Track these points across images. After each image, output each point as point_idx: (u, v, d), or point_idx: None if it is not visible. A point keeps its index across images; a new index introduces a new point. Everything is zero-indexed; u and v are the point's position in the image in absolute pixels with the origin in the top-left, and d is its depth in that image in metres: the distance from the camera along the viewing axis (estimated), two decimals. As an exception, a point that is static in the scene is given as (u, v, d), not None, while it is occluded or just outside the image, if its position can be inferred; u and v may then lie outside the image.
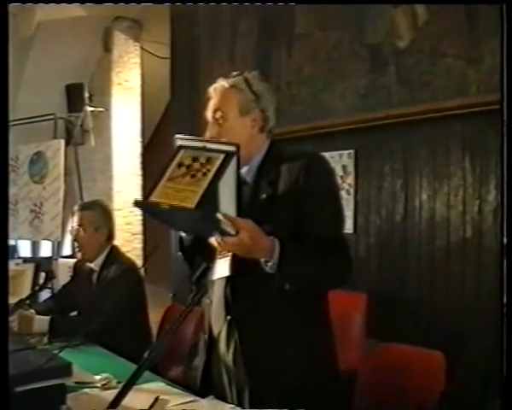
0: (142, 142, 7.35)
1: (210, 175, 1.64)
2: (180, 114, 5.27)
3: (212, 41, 4.75)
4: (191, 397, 2.02)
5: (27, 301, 3.00)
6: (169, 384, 2.19)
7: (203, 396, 1.99)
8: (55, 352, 1.95)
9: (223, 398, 1.97)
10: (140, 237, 7.18)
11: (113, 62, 7.01)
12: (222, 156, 1.67)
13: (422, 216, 3.25)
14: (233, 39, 4.53)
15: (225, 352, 1.96)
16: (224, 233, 1.71)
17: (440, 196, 3.16)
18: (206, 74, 4.80)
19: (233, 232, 1.68)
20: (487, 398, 2.74)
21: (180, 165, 1.71)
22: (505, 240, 2.24)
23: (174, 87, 5.37)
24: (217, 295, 1.98)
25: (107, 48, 7.02)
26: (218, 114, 1.97)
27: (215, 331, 2.00)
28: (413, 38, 3.25)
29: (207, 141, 1.79)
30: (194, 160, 1.70)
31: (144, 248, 7.20)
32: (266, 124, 2.03)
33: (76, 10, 6.15)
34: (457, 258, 3.09)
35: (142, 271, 3.57)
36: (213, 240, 1.81)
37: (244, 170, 1.97)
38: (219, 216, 1.65)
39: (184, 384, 2.22)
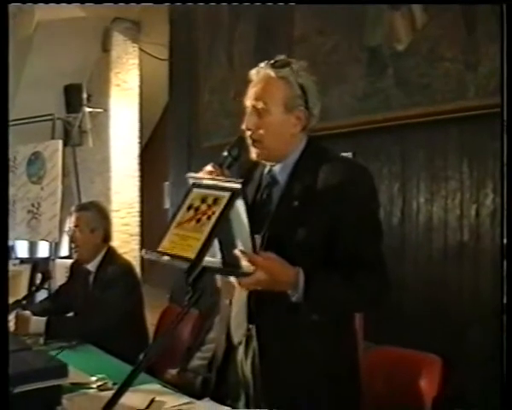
0: (140, 143, 7.36)
1: (213, 219, 1.59)
2: (178, 115, 5.28)
3: (211, 43, 4.74)
4: (187, 399, 2.02)
5: (24, 302, 2.99)
6: (165, 386, 2.19)
7: (200, 398, 1.98)
8: (53, 353, 1.95)
9: (237, 406, 1.88)
10: (137, 238, 7.18)
11: (112, 63, 7.03)
12: (228, 195, 1.60)
13: (420, 219, 3.25)
14: (231, 42, 4.52)
15: (243, 360, 1.87)
16: (237, 275, 1.68)
17: (438, 199, 3.16)
18: (205, 76, 4.81)
19: (250, 270, 1.63)
20: (484, 402, 2.74)
21: (190, 207, 1.68)
22: (505, 240, 2.23)
23: (172, 89, 5.37)
24: (238, 303, 1.86)
25: (106, 49, 7.03)
26: (260, 105, 1.81)
27: (234, 339, 1.90)
28: (411, 41, 3.25)
29: (217, 179, 1.72)
30: (203, 200, 1.66)
31: (142, 250, 7.19)
32: (309, 123, 1.88)
33: (75, 11, 6.15)
34: (454, 261, 3.08)
35: (138, 272, 3.57)
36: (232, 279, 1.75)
37: (277, 168, 1.88)
38: (237, 252, 1.64)
39: (180, 386, 2.22)
